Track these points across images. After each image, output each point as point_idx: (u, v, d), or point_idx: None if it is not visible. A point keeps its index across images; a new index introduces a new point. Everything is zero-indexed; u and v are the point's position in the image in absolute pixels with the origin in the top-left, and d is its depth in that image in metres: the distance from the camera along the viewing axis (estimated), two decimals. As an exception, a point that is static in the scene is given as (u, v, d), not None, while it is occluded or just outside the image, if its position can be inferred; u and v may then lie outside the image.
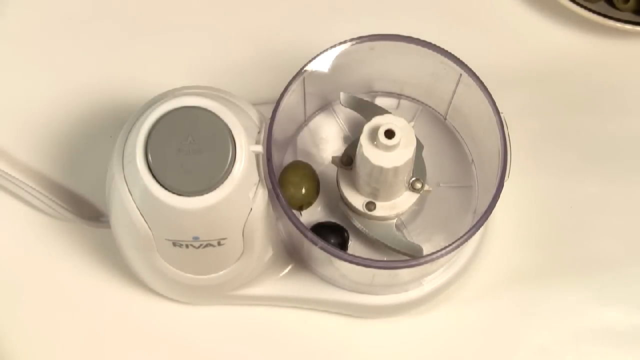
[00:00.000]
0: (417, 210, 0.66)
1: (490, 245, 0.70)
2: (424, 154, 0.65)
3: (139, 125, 0.57)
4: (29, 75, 0.75)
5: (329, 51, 0.62)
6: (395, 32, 0.63)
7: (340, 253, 0.59)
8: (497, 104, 0.62)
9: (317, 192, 0.66)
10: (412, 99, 0.69)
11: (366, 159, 0.59)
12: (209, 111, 0.57)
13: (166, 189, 0.56)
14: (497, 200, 0.60)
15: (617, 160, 0.74)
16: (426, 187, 0.64)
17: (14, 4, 0.76)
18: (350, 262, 0.59)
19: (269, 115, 0.61)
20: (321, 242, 0.59)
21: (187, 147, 0.56)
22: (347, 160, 0.63)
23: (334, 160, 0.64)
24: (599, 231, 0.72)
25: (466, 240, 0.59)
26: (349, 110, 0.66)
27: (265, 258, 0.64)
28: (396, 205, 0.63)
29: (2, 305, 0.69)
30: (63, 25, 0.76)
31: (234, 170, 0.56)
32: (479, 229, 0.60)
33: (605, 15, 0.74)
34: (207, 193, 0.56)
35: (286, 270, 0.67)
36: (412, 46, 0.63)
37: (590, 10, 0.74)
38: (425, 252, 0.62)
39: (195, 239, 0.58)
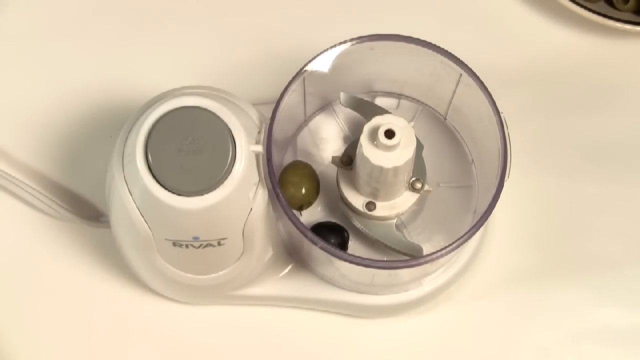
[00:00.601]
0: (417, 210, 0.66)
1: (490, 245, 0.70)
2: (424, 154, 0.65)
3: (139, 125, 0.57)
4: (29, 75, 0.75)
5: (329, 51, 0.62)
6: (395, 32, 0.63)
7: (340, 253, 0.59)
8: (497, 104, 0.62)
9: (317, 192, 0.66)
10: (412, 99, 0.69)
11: (366, 159, 0.59)
12: (209, 111, 0.57)
13: (166, 189, 0.56)
14: (497, 200, 0.60)
15: (617, 160, 0.73)
16: (426, 187, 0.64)
17: (13, 3, 0.76)
18: (350, 262, 0.59)
19: (269, 115, 0.61)
20: (321, 242, 0.59)
21: (187, 147, 0.56)
22: (347, 160, 0.63)
23: (334, 160, 0.64)
24: (599, 231, 0.72)
25: (466, 240, 0.59)
26: (349, 110, 0.66)
27: (265, 258, 0.64)
28: (396, 205, 0.63)
29: (2, 305, 0.69)
30: (63, 25, 0.76)
31: (234, 170, 0.56)
32: (479, 229, 0.60)
33: (605, 15, 0.74)
34: (207, 193, 0.56)
35: (286, 270, 0.67)
36: (412, 46, 0.63)
37: (590, 10, 0.74)
38: (425, 252, 0.62)
39: (195, 239, 0.58)
